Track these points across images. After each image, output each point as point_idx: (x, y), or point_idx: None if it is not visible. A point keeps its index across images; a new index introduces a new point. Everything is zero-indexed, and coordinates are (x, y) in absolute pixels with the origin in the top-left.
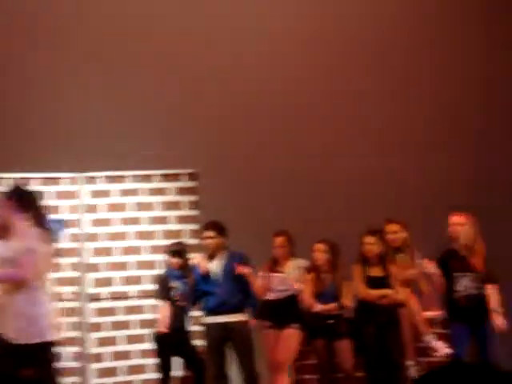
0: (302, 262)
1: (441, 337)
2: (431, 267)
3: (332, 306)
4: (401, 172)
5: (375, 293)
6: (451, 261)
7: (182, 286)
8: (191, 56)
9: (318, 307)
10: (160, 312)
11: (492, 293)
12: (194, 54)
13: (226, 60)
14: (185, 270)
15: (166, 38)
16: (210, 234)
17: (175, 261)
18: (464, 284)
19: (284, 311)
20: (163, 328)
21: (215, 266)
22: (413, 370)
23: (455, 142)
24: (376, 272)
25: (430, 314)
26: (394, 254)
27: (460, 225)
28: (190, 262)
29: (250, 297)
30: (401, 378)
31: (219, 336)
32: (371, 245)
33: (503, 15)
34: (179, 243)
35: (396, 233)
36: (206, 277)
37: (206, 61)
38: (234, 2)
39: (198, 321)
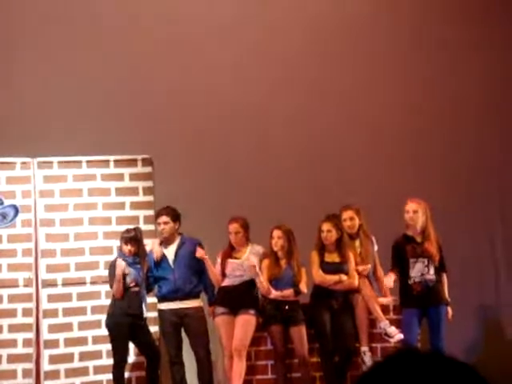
0: (259, 248)
1: (394, 322)
2: (389, 281)
3: (288, 292)
4: (356, 157)
5: (331, 278)
6: (406, 246)
7: (135, 272)
8: (146, 41)
9: (274, 293)
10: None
11: (444, 280)
12: (148, 41)
13: (182, 44)
14: (138, 256)
15: (119, 25)
16: (164, 219)
17: (128, 248)
18: (418, 269)
19: (240, 297)
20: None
21: (169, 252)
22: (367, 355)
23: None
24: (333, 258)
25: (383, 299)
26: (351, 240)
27: (414, 211)
28: (145, 248)
29: (204, 282)
30: (355, 363)
31: (173, 322)
32: (329, 232)
33: None
34: (133, 229)
35: (352, 219)
36: (159, 263)
37: (162, 45)
38: None
39: (152, 307)
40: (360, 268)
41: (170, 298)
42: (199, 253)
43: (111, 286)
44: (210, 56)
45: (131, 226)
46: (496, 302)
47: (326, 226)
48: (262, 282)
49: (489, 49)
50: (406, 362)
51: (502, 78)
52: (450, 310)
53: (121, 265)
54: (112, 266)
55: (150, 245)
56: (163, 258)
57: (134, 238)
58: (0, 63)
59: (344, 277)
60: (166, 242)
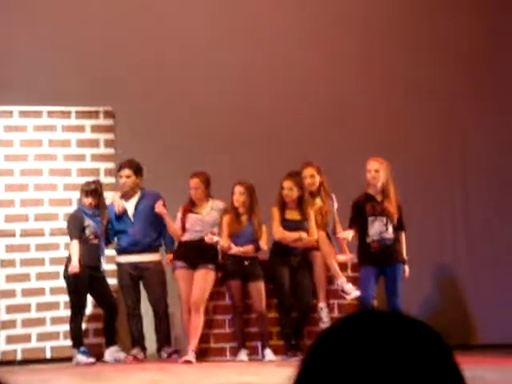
0: (219, 204)
1: (352, 280)
2: (348, 234)
3: (248, 248)
4: (318, 113)
5: (291, 235)
6: (366, 204)
7: (95, 225)
8: None
9: (234, 249)
10: (71, 251)
11: (402, 239)
12: None
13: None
14: (98, 208)
15: None
16: (126, 172)
17: (88, 201)
18: (377, 228)
19: (199, 251)
20: (75, 269)
21: (129, 206)
22: (324, 311)
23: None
24: (293, 215)
25: (342, 257)
26: (311, 197)
27: (376, 170)
28: (104, 201)
29: (164, 236)
30: (312, 319)
31: (132, 275)
32: (290, 189)
33: None
34: (93, 182)
35: (313, 176)
36: (119, 216)
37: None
38: None
39: (111, 259)
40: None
41: (128, 250)
42: (158, 208)
43: (71, 238)
44: (182, 7)
45: (91, 179)
46: (453, 260)
47: (287, 184)
48: (223, 238)
49: None
50: (364, 322)
51: None
52: (407, 268)
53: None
54: (71, 218)
55: (111, 198)
56: (123, 211)
57: (94, 191)
58: None
59: (304, 234)
60: (126, 196)
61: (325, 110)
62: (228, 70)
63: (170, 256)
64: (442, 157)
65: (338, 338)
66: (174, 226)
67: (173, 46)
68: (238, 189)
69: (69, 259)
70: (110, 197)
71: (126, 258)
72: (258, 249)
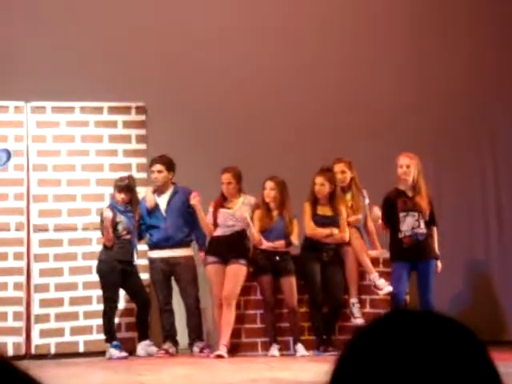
0: (251, 199)
1: (383, 275)
2: (377, 211)
3: (279, 243)
4: (349, 110)
5: (322, 231)
6: (397, 200)
7: (127, 220)
8: None
9: (266, 244)
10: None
11: (435, 234)
12: None
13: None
14: (131, 204)
15: None
16: (159, 168)
17: (121, 196)
18: (409, 223)
19: (231, 247)
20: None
21: (162, 201)
22: (356, 307)
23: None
24: (325, 211)
25: (374, 252)
26: (343, 192)
27: (407, 165)
28: (137, 196)
29: (196, 232)
30: (344, 314)
31: (164, 270)
32: (322, 185)
33: None
34: (127, 178)
35: (344, 172)
36: (151, 211)
37: None
38: None
39: (143, 254)
40: (351, 218)
41: (160, 245)
42: (193, 200)
43: (102, 234)
44: (206, 8)
45: (125, 174)
46: (485, 256)
47: (319, 180)
48: (254, 232)
49: None
50: (398, 322)
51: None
52: (439, 263)
53: (108, 216)
54: (103, 214)
55: (143, 193)
56: (156, 206)
57: (127, 187)
58: None
59: (335, 230)
60: (159, 191)
61: (356, 102)
62: (262, 70)
63: (202, 252)
64: (474, 152)
65: (373, 337)
66: (206, 220)
67: (206, 44)
68: (269, 184)
69: (101, 254)
70: (142, 192)
71: (158, 253)
72: (289, 244)
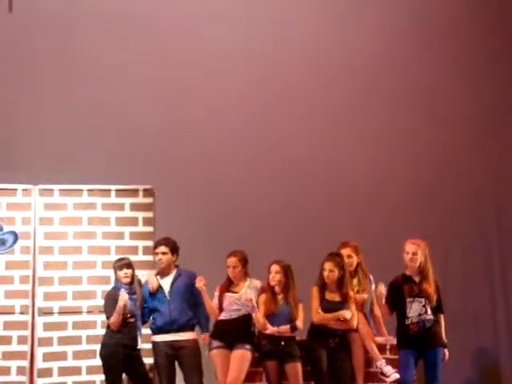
0: (257, 283)
1: (390, 362)
2: (382, 289)
3: (284, 328)
4: (357, 195)
5: (330, 315)
6: (404, 286)
7: (131, 303)
8: (148, 70)
9: (271, 329)
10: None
11: (442, 321)
12: (148, 69)
13: (182, 74)
14: (133, 284)
15: (119, 57)
16: (163, 249)
17: (125, 272)
18: (415, 309)
19: (236, 331)
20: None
21: (165, 284)
22: None
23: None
24: (333, 297)
25: (380, 339)
26: (350, 277)
27: (414, 253)
28: (138, 278)
29: (199, 314)
30: None
31: (168, 354)
32: (331, 271)
33: None
34: (125, 257)
35: (350, 257)
36: (155, 294)
37: (163, 73)
38: None
39: (146, 339)
40: (357, 296)
41: (165, 329)
42: (199, 283)
43: (107, 317)
44: (210, 85)
45: (121, 256)
46: (493, 344)
47: (328, 265)
48: (259, 317)
49: None
50: None
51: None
52: (446, 352)
53: (124, 297)
54: (109, 296)
55: (146, 276)
56: (159, 289)
57: (129, 263)
58: (3, 91)
59: (347, 314)
60: (162, 273)
61: (359, 189)
62: (269, 154)
63: (205, 336)
64: (481, 239)
65: None
66: (211, 303)
67: (211, 126)
68: (274, 267)
69: (105, 337)
70: (145, 275)
71: (162, 337)
72: (294, 329)
